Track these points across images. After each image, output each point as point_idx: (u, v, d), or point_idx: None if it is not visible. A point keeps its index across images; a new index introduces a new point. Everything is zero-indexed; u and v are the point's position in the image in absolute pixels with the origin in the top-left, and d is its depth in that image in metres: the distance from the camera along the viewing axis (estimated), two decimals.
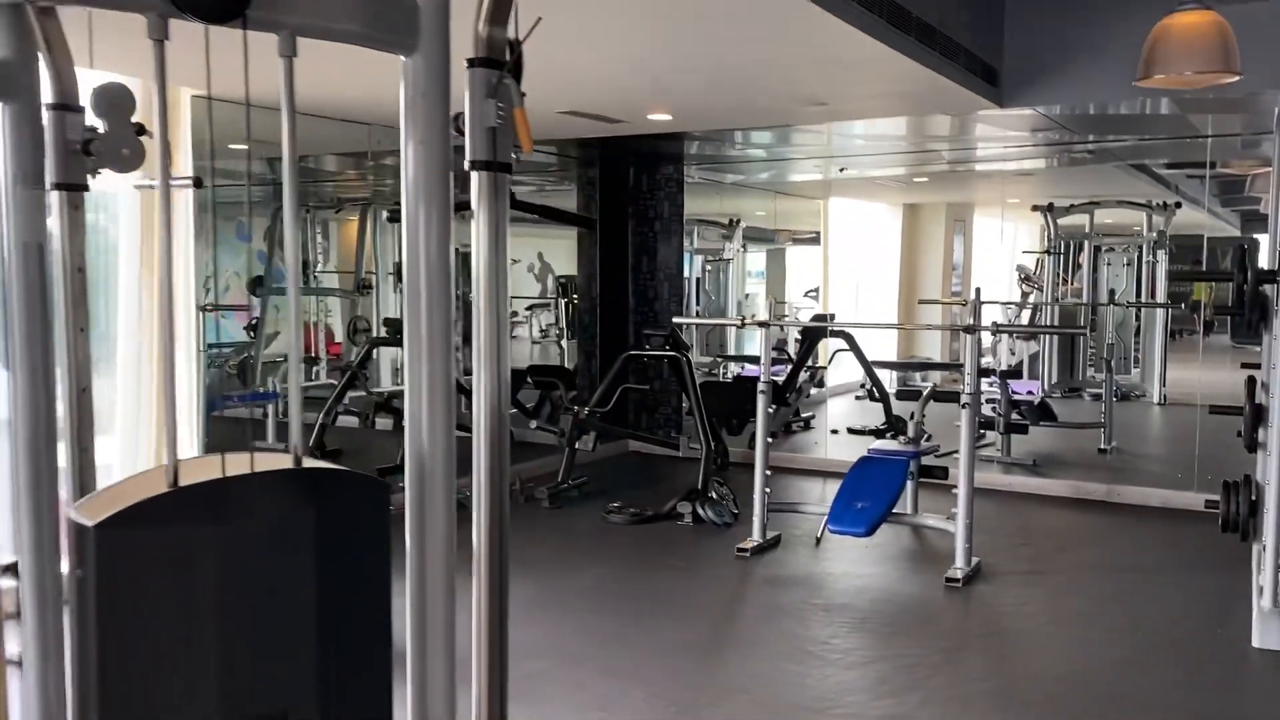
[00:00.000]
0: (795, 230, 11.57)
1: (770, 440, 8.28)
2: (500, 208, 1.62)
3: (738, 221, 11.95)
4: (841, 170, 9.11)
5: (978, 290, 5.26)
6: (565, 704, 3.43)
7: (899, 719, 3.40)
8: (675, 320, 6.15)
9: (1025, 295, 9.54)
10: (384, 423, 7.76)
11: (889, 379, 9.78)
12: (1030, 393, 8.31)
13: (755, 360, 11.10)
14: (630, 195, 8.24)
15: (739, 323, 5.46)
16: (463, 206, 1.43)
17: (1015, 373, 8.34)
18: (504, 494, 1.94)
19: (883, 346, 10.14)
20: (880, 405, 8.53)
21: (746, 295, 13.32)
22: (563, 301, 16.04)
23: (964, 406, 4.97)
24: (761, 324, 5.44)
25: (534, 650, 3.91)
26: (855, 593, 4.79)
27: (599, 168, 8.12)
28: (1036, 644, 4.18)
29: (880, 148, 8.67)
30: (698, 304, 15.12)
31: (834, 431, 9.22)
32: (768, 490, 5.44)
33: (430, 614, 1.73)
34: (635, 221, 8.24)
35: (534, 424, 6.84)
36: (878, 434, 8.52)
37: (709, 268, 15.71)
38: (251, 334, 13.45)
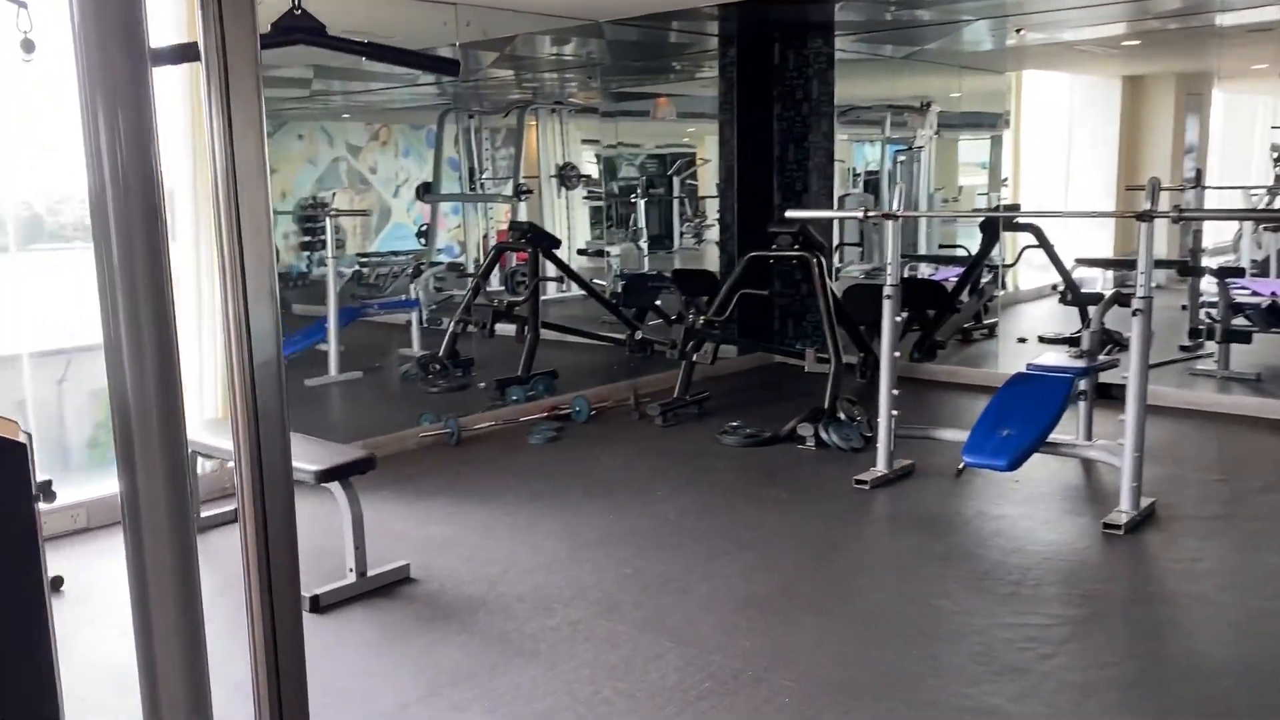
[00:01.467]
0: (980, 111, 10.25)
1: (938, 350, 7.41)
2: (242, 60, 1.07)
3: (929, 104, 10.75)
4: (1019, 32, 7.80)
5: (1154, 179, 4.16)
6: (579, 666, 2.90)
7: (986, 714, 2.65)
8: (789, 214, 5.34)
9: None
10: (505, 330, 7.40)
11: (1102, 280, 8.55)
12: (1275, 294, 6.93)
13: (949, 260, 10.06)
14: (774, 75, 7.35)
15: (860, 215, 4.63)
16: None
17: (1236, 270, 6.95)
18: (270, 480, 1.37)
19: (1096, 242, 8.87)
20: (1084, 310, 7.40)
21: (960, 188, 12.07)
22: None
23: (1136, 313, 3.98)
24: (887, 216, 4.58)
25: (574, 595, 3.39)
26: (986, 539, 3.98)
27: (737, 46, 7.26)
28: (1201, 617, 3.27)
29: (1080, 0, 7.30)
30: (890, 197, 14.01)
31: (1021, 340, 8.14)
32: (896, 412, 4.64)
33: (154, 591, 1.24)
34: (780, 105, 7.36)
35: (638, 334, 6.24)
36: (1073, 343, 7.41)
37: (901, 158, 14.45)
38: (422, 240, 13.46)
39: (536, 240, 7.07)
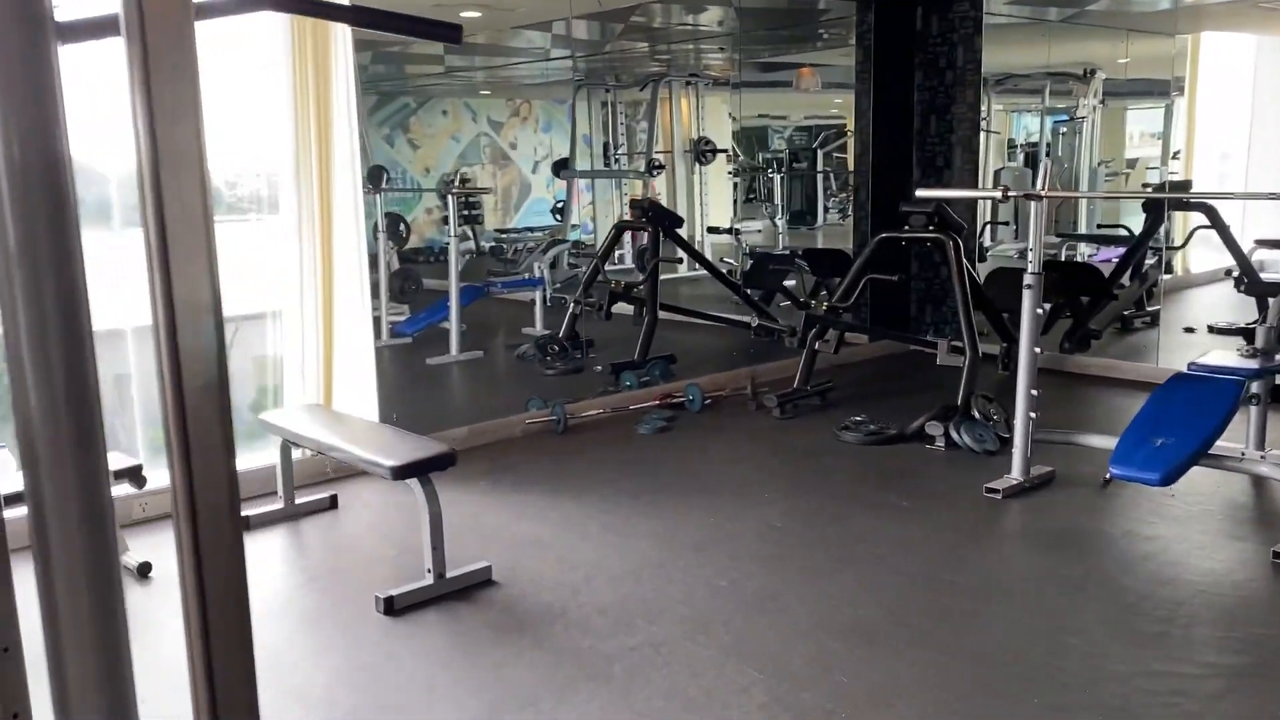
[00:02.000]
0: (1150, 78, 9.41)
1: (1092, 340, 6.79)
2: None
3: (1093, 71, 9.97)
4: None
5: None
6: (653, 696, 2.64)
7: None
8: (920, 192, 4.89)
9: None
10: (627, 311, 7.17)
11: None
12: None
13: (1110, 241, 9.29)
14: (916, 42, 6.84)
15: (998, 195, 4.17)
16: None
17: None
18: (209, 523, 1.20)
19: None
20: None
21: (1129, 162, 11.23)
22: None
23: None
24: (1030, 196, 4.10)
25: (661, 610, 3.14)
26: (1132, 564, 3.52)
27: (875, 11, 6.78)
28: None
29: None
30: (1040, 173, 13.13)
31: (1189, 330, 7.41)
32: (1035, 414, 4.19)
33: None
34: (922, 74, 6.85)
35: (754, 320, 5.90)
36: (1246, 335, 6.68)
37: (1062, 130, 13.51)
38: (557, 217, 13.40)
39: (657, 219, 6.81)
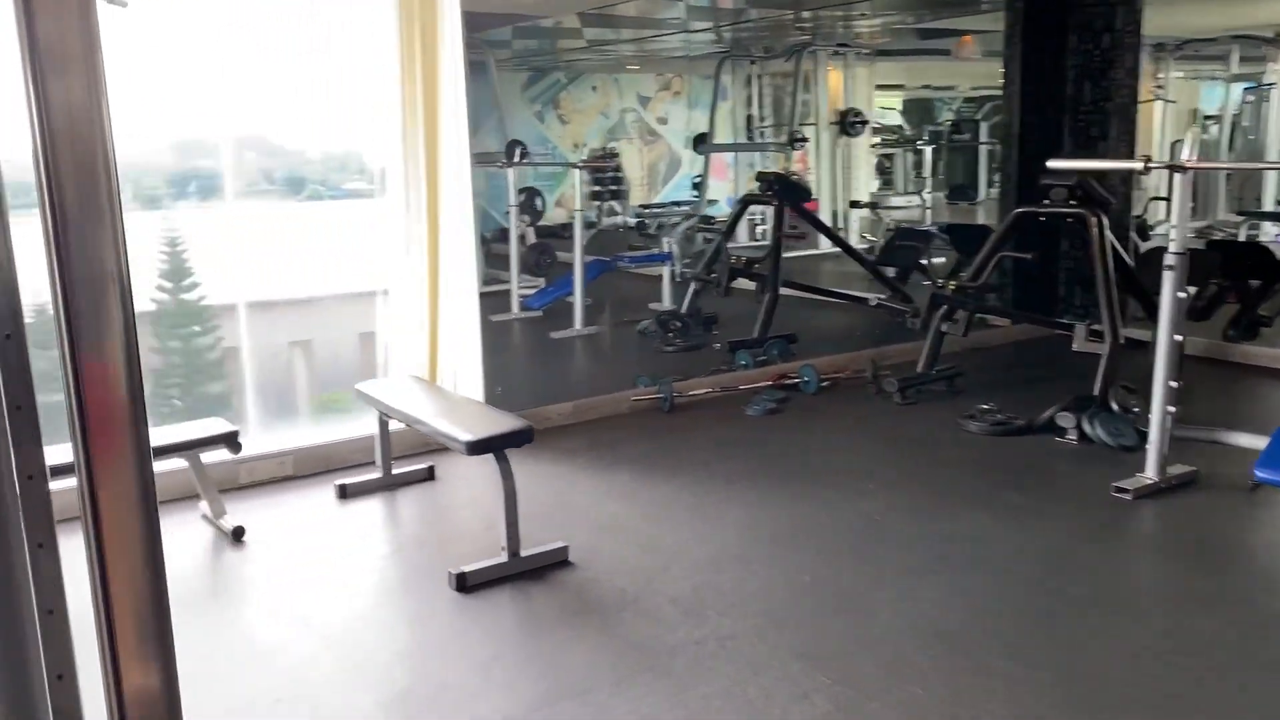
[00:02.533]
0: None
1: (1261, 328, 6.16)
2: None
3: None
4: None
5: None
6: (710, 695, 2.50)
7: None
8: (1051, 163, 4.49)
9: None
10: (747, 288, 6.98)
11: None
12: None
13: None
14: (1069, 5, 6.33)
15: (1137, 167, 3.77)
16: None
17: None
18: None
19: None
20: None
21: None
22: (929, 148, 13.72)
23: None
24: (1173, 168, 3.70)
25: (735, 603, 2.99)
26: (1273, 581, 3.14)
27: None
28: None
29: None
30: (1230, 146, 12.06)
31: None
32: (1174, 408, 3.80)
33: None
34: (1076, 37, 6.34)
35: (873, 300, 5.59)
36: None
37: (1249, 97, 12.39)
38: (695, 192, 13.24)
39: (783, 193, 6.57)
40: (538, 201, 9.43)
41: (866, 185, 18.07)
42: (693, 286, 6.96)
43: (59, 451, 1.15)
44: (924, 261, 7.29)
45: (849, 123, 11.42)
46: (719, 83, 12.19)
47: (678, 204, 14.13)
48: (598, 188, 17.05)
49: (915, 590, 3.07)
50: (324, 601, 3.09)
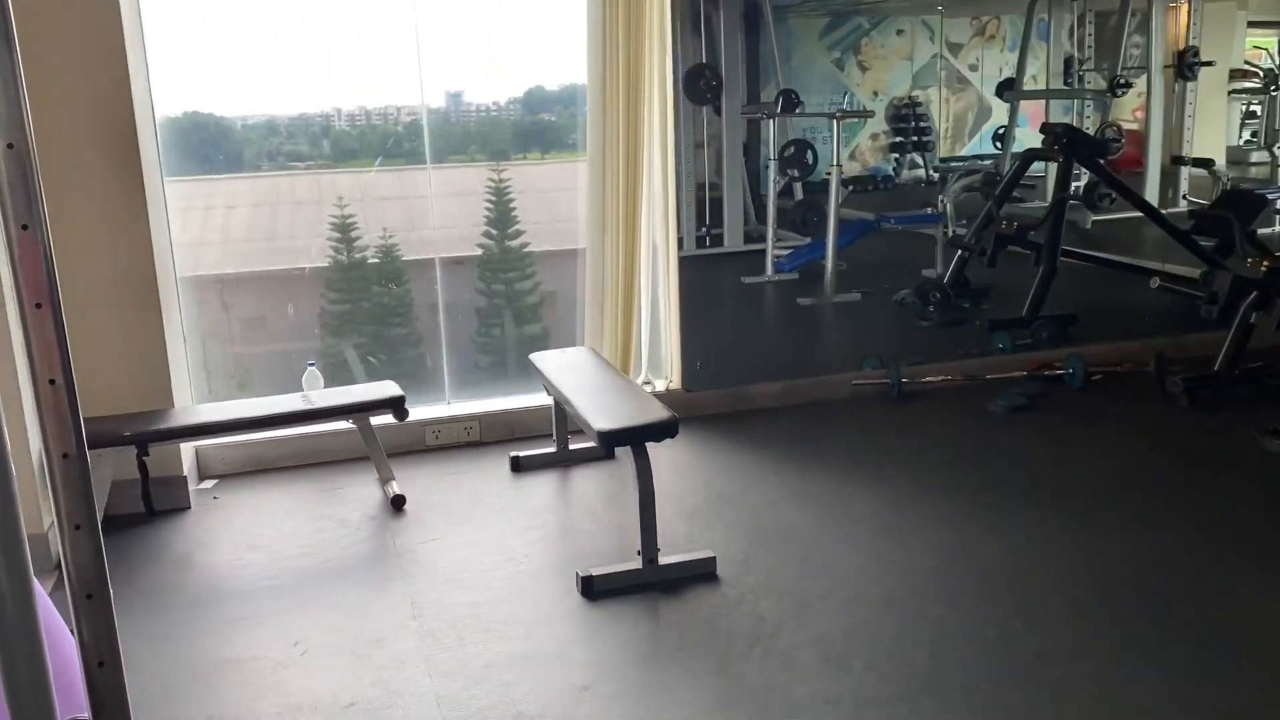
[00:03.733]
0: None
1: None
2: None
3: None
4: None
5: None
6: None
7: None
8: None
9: None
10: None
11: None
12: None
13: None
14: None
15: None
16: None
17: None
18: None
19: None
20: None
21: None
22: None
23: None
24: None
25: (892, 654, 2.47)
26: None
27: None
28: None
29: None
30: None
31: None
32: None
33: None
34: None
35: (1155, 282, 4.55)
36: None
37: None
38: (998, 144, 12.08)
39: (1071, 146, 5.63)
40: (808, 155, 8.87)
41: (1216, 138, 15.72)
42: (960, 253, 6.18)
43: None
44: (1257, 229, 6.03)
45: (1186, 64, 9.80)
46: (1031, 21, 10.90)
47: (980, 158, 12.91)
48: (899, 139, 16.07)
49: (1127, 666, 2.38)
50: (441, 594, 2.89)
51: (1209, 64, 10.42)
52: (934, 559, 2.96)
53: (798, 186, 9.72)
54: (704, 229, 9.14)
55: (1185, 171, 9.75)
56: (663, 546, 2.94)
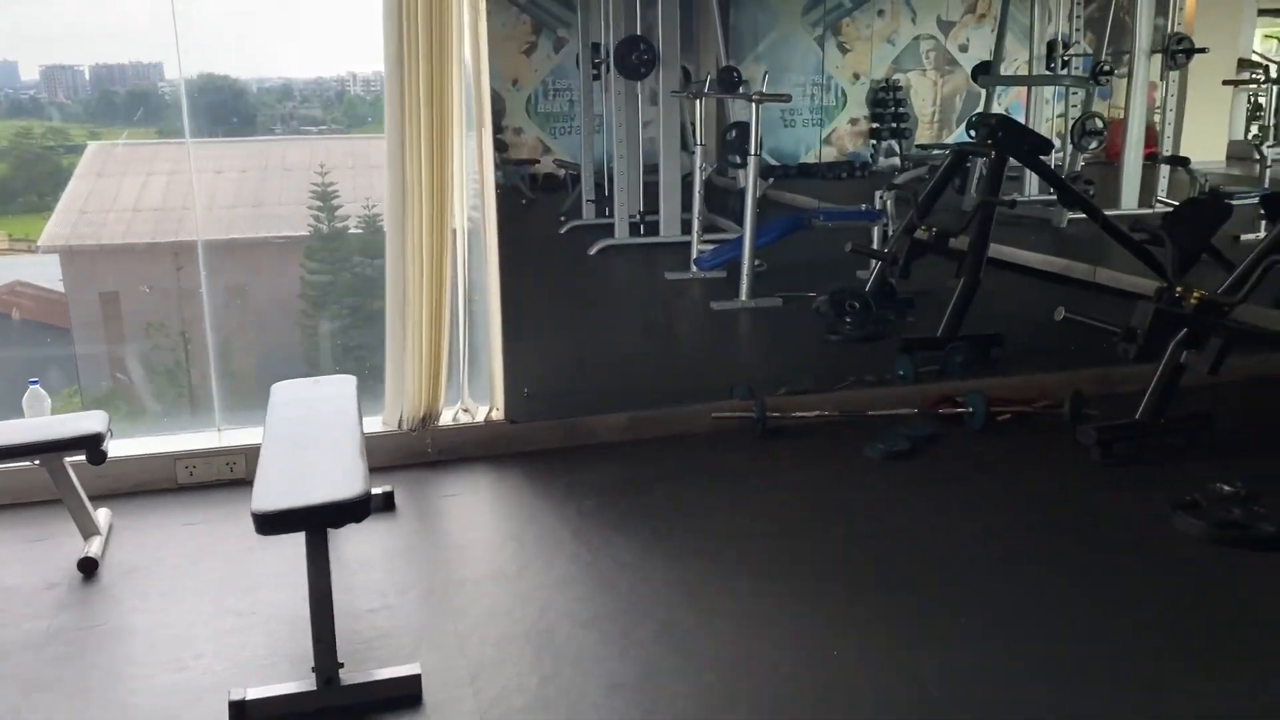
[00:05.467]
0: None
1: None
2: None
3: None
4: None
5: None
6: None
7: None
8: None
9: None
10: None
11: None
12: None
13: None
14: None
15: None
16: None
17: None
18: None
19: None
20: None
21: None
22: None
23: None
24: None
25: None
26: None
27: None
28: None
29: None
30: None
31: None
32: None
33: None
34: None
35: (1060, 313, 3.71)
36: None
37: None
38: (971, 133, 11.29)
39: (1006, 142, 4.91)
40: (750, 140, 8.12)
41: (1217, 132, 14.88)
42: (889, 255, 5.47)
43: None
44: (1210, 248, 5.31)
45: (1172, 51, 8.99)
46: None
47: (944, 147, 12.12)
48: (877, 124, 15.25)
49: None
50: (50, 713, 2.22)
51: (1201, 51, 9.62)
52: (711, 677, 2.28)
53: (742, 173, 8.99)
54: (638, 215, 8.43)
55: (1163, 170, 8.98)
56: (379, 649, 2.28)
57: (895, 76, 16.06)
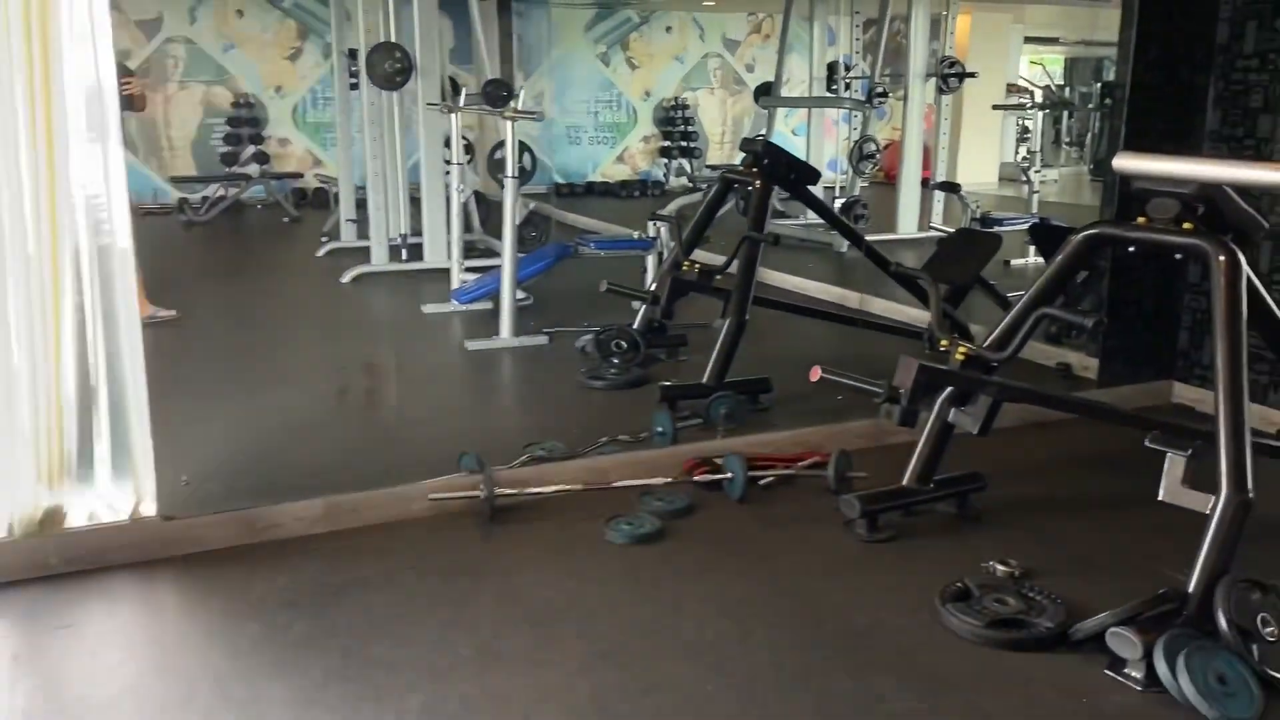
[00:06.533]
0: None
1: None
2: None
3: None
4: None
5: None
6: None
7: None
8: (1123, 162, 2.37)
9: None
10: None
11: None
12: None
13: None
14: None
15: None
16: None
17: None
18: None
19: None
20: None
21: None
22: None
23: None
24: None
25: None
26: None
27: None
28: None
29: None
30: None
31: None
32: None
33: None
34: None
35: (816, 374, 3.31)
36: None
37: None
38: None
39: (773, 170, 4.55)
40: (526, 158, 7.59)
41: (990, 155, 15.45)
42: (653, 295, 5.01)
43: None
44: (985, 277, 5.15)
45: (945, 75, 9.06)
46: (788, 19, 9.96)
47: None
48: (667, 143, 15.01)
49: None
50: None
51: (971, 75, 9.77)
52: None
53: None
54: (400, 238, 7.70)
55: (937, 195, 9.00)
56: None
57: (684, 95, 15.83)
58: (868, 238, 5.19)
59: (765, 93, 10.59)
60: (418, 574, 2.84)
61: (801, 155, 10.49)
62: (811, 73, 10.39)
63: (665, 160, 14.40)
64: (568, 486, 3.29)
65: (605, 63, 14.14)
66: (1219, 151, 4.19)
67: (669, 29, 14.44)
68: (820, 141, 10.82)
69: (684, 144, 14.25)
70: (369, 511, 3.14)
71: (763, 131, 10.47)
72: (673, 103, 14.40)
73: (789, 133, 14.20)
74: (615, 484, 3.32)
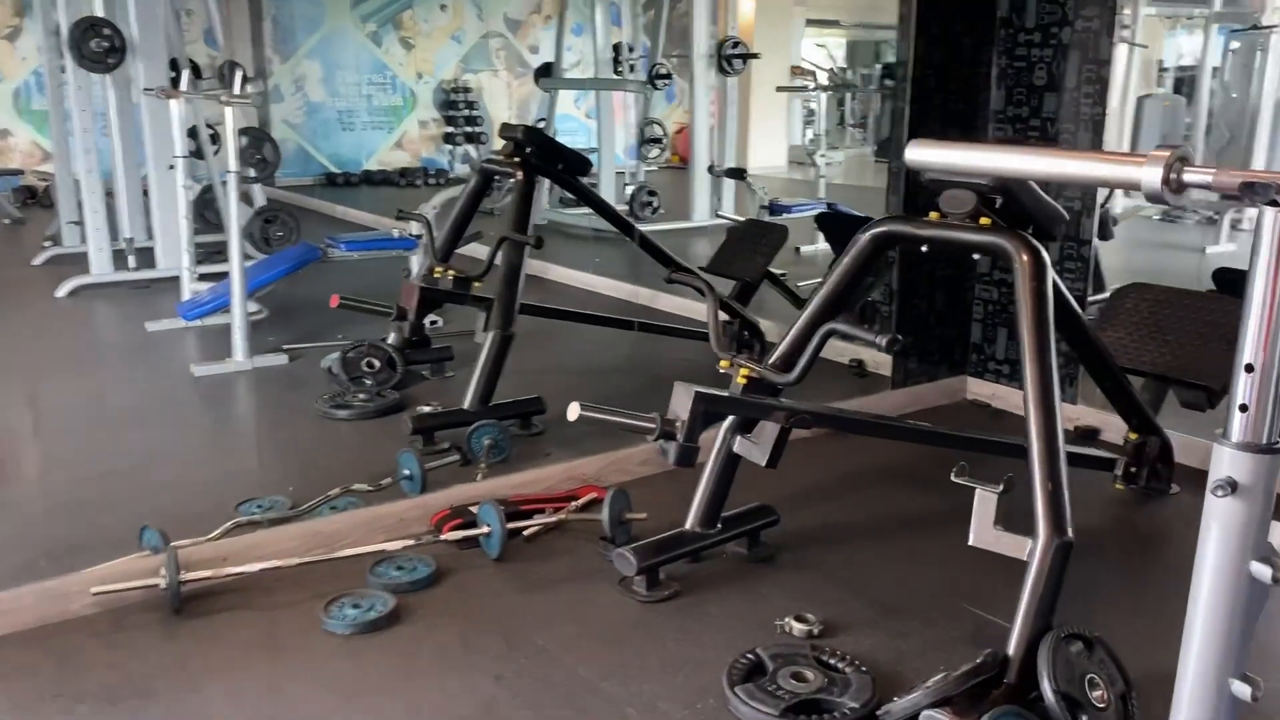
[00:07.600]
0: None
1: None
2: None
3: None
4: None
5: None
6: None
7: None
8: (913, 153, 2.03)
9: None
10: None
11: None
12: None
13: None
14: None
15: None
16: None
17: None
18: None
19: None
20: None
21: None
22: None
23: None
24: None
25: None
26: None
27: None
28: None
29: None
30: (1210, 108, 9.66)
31: None
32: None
33: None
34: None
35: (575, 412, 2.79)
36: None
37: (1235, 45, 10.06)
38: None
39: (539, 159, 4.01)
40: (266, 148, 6.76)
41: (775, 137, 15.48)
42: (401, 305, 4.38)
43: None
44: (775, 271, 4.81)
45: (726, 56, 8.76)
46: None
47: None
48: (451, 129, 14.23)
49: None
50: None
51: (754, 56, 9.53)
52: None
53: (258, 190, 7.55)
54: (127, 243, 6.71)
55: (727, 181, 8.71)
56: None
57: (464, 77, 14.98)
58: (660, 227, 4.75)
59: (546, 74, 10.05)
60: (64, 704, 2.15)
61: (593, 141, 10.02)
62: (596, 54, 9.92)
63: (450, 147, 13.64)
64: (280, 562, 2.64)
65: (377, 43, 13.23)
66: (1004, 132, 3.96)
67: (444, 6, 13.66)
68: (611, 126, 10.38)
69: (469, 129, 13.53)
70: (9, 616, 2.41)
71: (543, 117, 9.93)
72: (453, 85, 13.65)
73: (583, 116, 13.72)
74: (342, 553, 2.70)
